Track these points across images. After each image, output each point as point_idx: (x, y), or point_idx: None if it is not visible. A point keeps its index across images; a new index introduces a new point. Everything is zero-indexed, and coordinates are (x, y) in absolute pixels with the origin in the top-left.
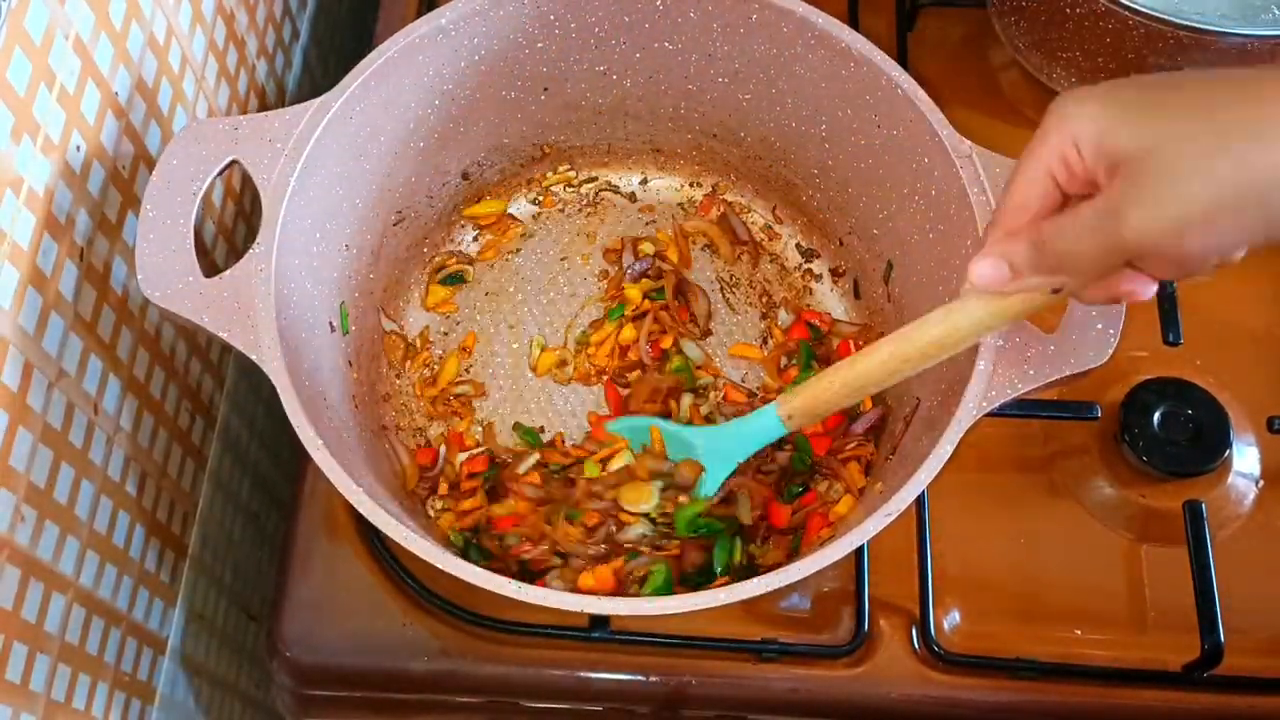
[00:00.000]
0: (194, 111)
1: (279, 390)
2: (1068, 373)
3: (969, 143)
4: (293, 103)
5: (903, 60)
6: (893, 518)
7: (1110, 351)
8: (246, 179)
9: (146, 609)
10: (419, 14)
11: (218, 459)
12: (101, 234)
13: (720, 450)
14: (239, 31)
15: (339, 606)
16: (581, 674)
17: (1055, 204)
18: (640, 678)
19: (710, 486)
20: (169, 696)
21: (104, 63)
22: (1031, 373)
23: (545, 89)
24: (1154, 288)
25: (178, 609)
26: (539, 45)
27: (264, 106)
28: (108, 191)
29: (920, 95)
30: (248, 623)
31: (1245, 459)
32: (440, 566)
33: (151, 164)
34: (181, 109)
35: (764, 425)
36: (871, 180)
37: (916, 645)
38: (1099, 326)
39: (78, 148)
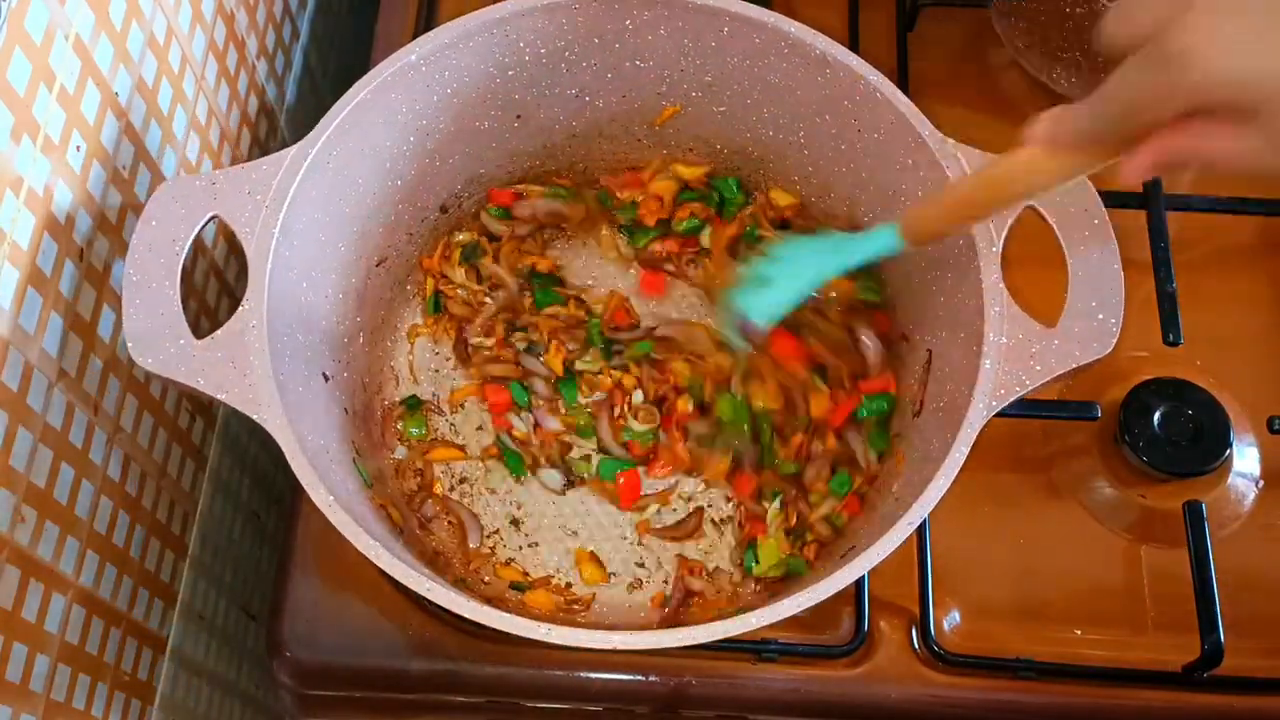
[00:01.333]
0: (194, 112)
1: (284, 448)
2: (1073, 365)
3: (952, 141)
4: (292, 104)
5: (902, 60)
6: (914, 526)
7: (1113, 340)
8: None
9: (146, 609)
10: (418, 15)
11: (217, 459)
12: (101, 234)
13: (794, 265)
14: (239, 32)
15: (339, 606)
16: (581, 674)
17: None
18: (640, 678)
19: (759, 312)
20: (169, 696)
21: (104, 63)
22: (1038, 368)
23: (518, 116)
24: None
25: (177, 609)
26: (510, 73)
27: (263, 107)
28: (108, 192)
29: (899, 98)
30: (247, 622)
31: (1245, 459)
32: (467, 615)
33: (152, 164)
34: (181, 109)
35: (881, 242)
36: (855, 184)
37: (916, 645)
38: (1099, 317)
39: (78, 148)
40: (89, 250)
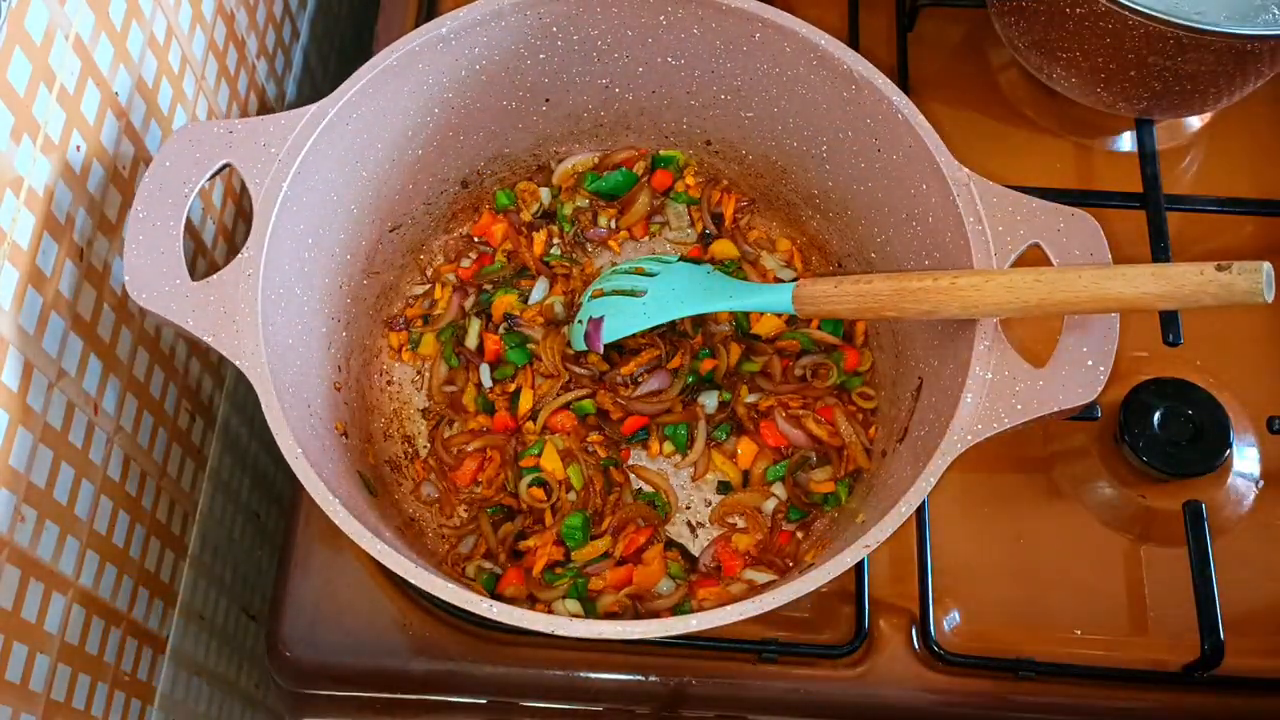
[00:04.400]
0: (194, 111)
1: (260, 395)
2: (1054, 409)
3: (966, 170)
4: (292, 103)
5: (903, 60)
6: (871, 549)
7: (1099, 389)
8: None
9: (146, 609)
10: (419, 15)
11: (217, 458)
12: (101, 234)
13: (682, 289)
14: (239, 32)
15: (339, 606)
16: (581, 674)
17: None
18: (640, 678)
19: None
20: (168, 696)
21: (104, 63)
22: (1019, 407)
23: (547, 100)
24: None
25: (177, 609)
26: (541, 56)
27: (263, 107)
28: (107, 191)
29: (920, 121)
30: (247, 622)
31: (1245, 459)
32: (415, 582)
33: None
34: (181, 109)
35: (772, 299)
36: (870, 204)
37: (916, 645)
38: (1089, 363)
39: (77, 148)
40: (89, 250)
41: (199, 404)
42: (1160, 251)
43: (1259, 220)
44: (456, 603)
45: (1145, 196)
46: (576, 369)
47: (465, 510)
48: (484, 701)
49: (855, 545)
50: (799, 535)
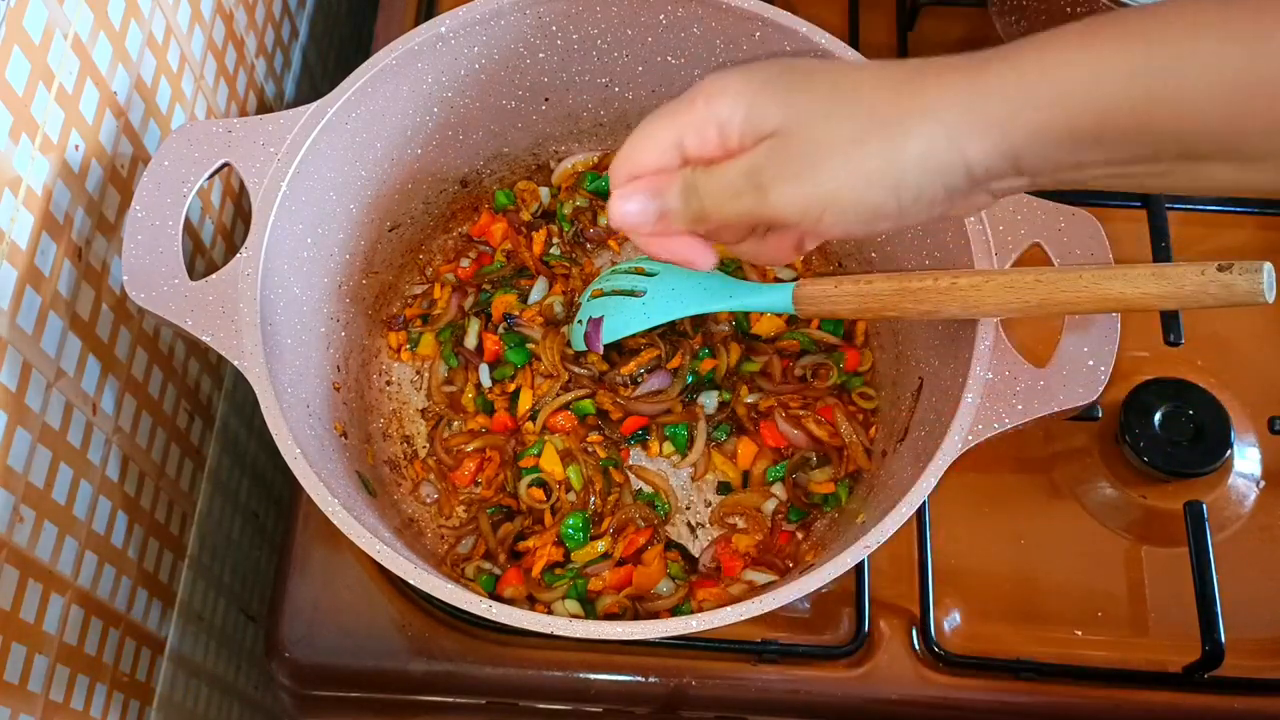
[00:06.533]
0: (192, 110)
1: (259, 396)
2: (1055, 409)
3: None
4: (291, 102)
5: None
6: (871, 549)
7: (1100, 389)
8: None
9: (145, 609)
10: (418, 13)
11: (216, 459)
12: (99, 233)
13: (682, 289)
14: (238, 31)
15: (338, 607)
16: (581, 675)
17: (672, 168)
18: (640, 678)
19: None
20: (167, 697)
21: (103, 62)
22: (1020, 408)
23: (546, 99)
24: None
25: (176, 609)
26: (540, 55)
27: (262, 106)
28: (106, 191)
29: None
30: (246, 623)
31: (1246, 460)
32: (414, 583)
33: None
34: (180, 108)
35: (772, 298)
36: None
37: (916, 646)
38: (1090, 363)
39: (76, 147)
40: (87, 249)
41: (198, 404)
42: (1161, 251)
43: (1259, 220)
44: (456, 603)
45: (1146, 195)
46: (576, 369)
47: (464, 510)
48: (483, 702)
49: (855, 546)
50: (799, 536)
